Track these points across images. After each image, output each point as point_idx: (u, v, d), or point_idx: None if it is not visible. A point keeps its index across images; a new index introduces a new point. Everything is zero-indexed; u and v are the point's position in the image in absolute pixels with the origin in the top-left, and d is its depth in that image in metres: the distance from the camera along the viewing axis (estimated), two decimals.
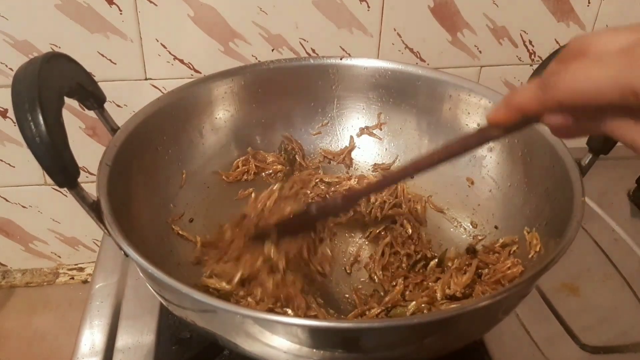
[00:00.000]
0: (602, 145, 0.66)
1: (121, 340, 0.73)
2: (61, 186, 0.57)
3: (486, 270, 0.71)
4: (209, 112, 0.84)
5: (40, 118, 0.53)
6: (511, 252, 0.72)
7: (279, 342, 0.53)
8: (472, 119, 0.82)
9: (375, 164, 0.90)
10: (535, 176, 0.74)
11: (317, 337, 0.52)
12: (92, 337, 0.75)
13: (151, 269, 0.53)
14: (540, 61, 1.05)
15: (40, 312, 1.22)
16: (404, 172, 0.58)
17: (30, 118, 0.53)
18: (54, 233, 1.19)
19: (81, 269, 1.26)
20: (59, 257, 1.25)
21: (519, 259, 0.70)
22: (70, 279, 1.25)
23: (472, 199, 0.83)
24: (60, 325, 1.19)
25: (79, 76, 0.65)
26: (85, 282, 1.25)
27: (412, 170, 0.57)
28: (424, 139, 0.87)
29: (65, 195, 1.12)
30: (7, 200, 1.15)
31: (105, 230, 0.59)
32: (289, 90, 0.88)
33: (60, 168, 0.56)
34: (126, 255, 0.56)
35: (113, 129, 0.71)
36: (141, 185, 0.72)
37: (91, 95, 0.68)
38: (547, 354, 0.71)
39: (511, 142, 0.78)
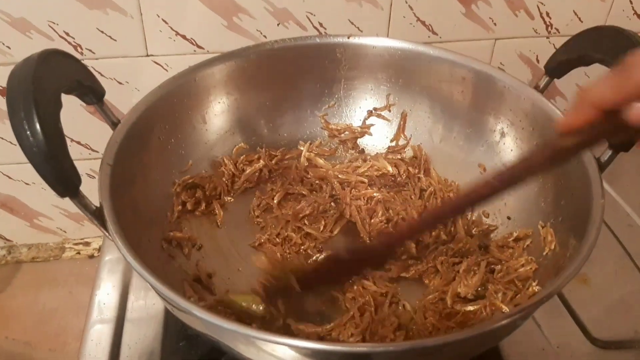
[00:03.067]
0: (623, 142, 0.63)
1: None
2: (62, 196, 0.56)
3: (498, 267, 0.69)
4: (212, 96, 0.81)
5: (38, 126, 0.51)
6: (525, 247, 0.71)
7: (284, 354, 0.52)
8: (491, 106, 0.79)
9: (389, 147, 0.88)
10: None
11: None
12: (101, 315, 0.75)
13: (158, 285, 0.52)
14: (557, 34, 1.01)
15: (48, 288, 1.22)
16: (461, 205, 0.55)
17: (26, 127, 0.51)
18: (58, 209, 1.18)
19: (87, 244, 1.25)
20: (65, 232, 1.24)
21: (533, 255, 0.69)
22: (76, 253, 1.24)
23: None
24: (69, 301, 1.18)
25: (77, 72, 0.62)
26: (91, 257, 1.24)
27: (470, 202, 0.54)
28: (438, 124, 0.85)
29: None
30: (10, 178, 1.13)
31: (109, 238, 0.57)
32: (294, 71, 0.85)
33: (61, 178, 0.54)
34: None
35: (113, 122, 0.69)
36: (144, 180, 0.70)
37: (90, 91, 0.65)
38: (557, 347, 0.70)
39: (527, 131, 0.75)
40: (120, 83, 1.01)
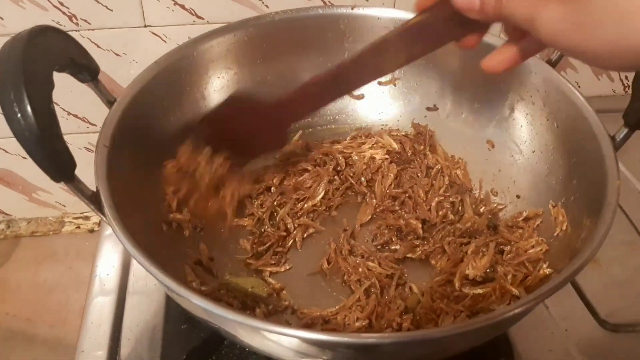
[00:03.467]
0: (639, 120, 0.61)
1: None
2: (57, 181, 0.54)
3: (508, 248, 0.68)
4: (211, 71, 0.78)
5: (29, 109, 0.49)
6: (535, 227, 0.69)
7: (287, 343, 0.50)
8: (500, 80, 0.76)
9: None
10: (563, 145, 0.70)
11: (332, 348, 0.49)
12: (101, 295, 0.74)
13: (158, 273, 0.50)
14: None
15: (48, 263, 1.21)
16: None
17: (17, 110, 0.49)
18: (57, 183, 1.16)
19: (87, 218, 1.24)
20: (64, 206, 1.23)
21: (543, 236, 0.67)
22: (76, 227, 1.23)
23: (492, 164, 0.78)
24: (69, 276, 1.18)
25: (69, 50, 0.59)
26: (91, 231, 1.23)
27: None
28: (446, 99, 0.82)
29: (69, 144, 1.07)
30: (6, 152, 1.12)
31: (107, 223, 0.55)
32: (295, 44, 0.82)
33: (54, 162, 0.52)
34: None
35: (109, 101, 0.66)
36: (142, 161, 0.68)
37: (84, 69, 0.62)
38: (565, 329, 0.69)
39: (538, 106, 0.73)
40: (117, 55, 0.99)
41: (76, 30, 0.94)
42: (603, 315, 0.69)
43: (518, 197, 0.74)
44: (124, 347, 0.68)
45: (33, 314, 1.16)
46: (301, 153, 0.82)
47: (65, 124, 1.03)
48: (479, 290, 0.63)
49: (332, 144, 0.83)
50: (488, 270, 0.66)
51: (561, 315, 0.69)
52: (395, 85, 0.84)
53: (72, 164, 0.53)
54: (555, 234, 0.66)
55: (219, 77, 0.79)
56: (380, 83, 0.84)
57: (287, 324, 0.64)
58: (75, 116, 1.03)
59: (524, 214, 0.71)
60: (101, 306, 0.73)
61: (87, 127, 1.05)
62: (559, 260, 0.63)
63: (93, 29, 0.94)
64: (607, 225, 0.54)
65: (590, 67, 0.99)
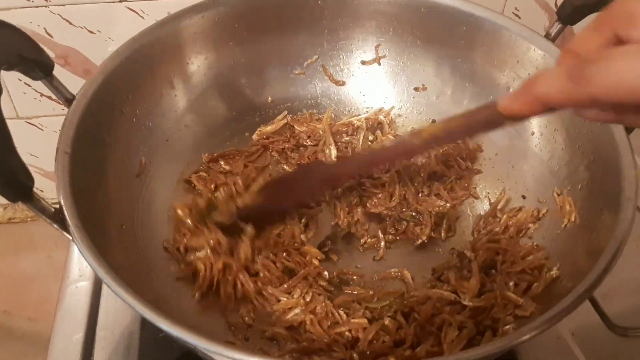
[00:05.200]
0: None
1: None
2: (13, 201, 0.47)
3: (499, 257, 0.62)
4: (179, 57, 0.71)
5: None
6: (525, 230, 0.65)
7: None
8: (495, 57, 0.71)
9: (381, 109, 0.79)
10: (566, 128, 0.65)
11: None
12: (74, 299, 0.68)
13: (130, 300, 0.44)
14: None
15: (26, 253, 1.16)
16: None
17: None
18: (33, 167, 1.07)
19: None
20: (42, 191, 1.14)
21: (550, 228, 0.63)
22: None
23: (488, 148, 0.73)
24: (48, 267, 1.12)
25: (17, 45, 0.51)
26: None
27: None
28: (436, 78, 0.76)
29: (41, 129, 1.00)
30: None
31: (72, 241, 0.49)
32: (270, 23, 0.75)
33: (9, 181, 0.45)
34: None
35: (67, 99, 0.58)
36: (109, 164, 0.61)
37: (36, 65, 0.54)
38: (572, 334, 0.64)
39: None
40: (91, 32, 0.91)
41: (45, 6, 0.86)
42: (612, 318, 0.63)
43: (524, 197, 0.69)
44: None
45: (11, 307, 1.11)
46: (283, 133, 0.77)
47: (39, 107, 0.96)
48: (480, 303, 0.58)
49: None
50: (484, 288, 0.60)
51: (567, 318, 0.64)
52: (379, 64, 0.78)
53: (29, 182, 0.46)
54: (563, 225, 0.62)
55: (188, 63, 0.72)
56: (363, 62, 0.78)
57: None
58: (49, 98, 0.95)
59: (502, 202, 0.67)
60: (74, 317, 0.66)
61: (63, 109, 0.97)
62: (567, 255, 0.59)
63: (64, 4, 0.87)
64: (628, 221, 0.50)
65: None
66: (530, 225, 0.65)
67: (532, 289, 0.57)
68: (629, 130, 0.57)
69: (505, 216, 0.67)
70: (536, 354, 0.61)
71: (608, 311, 0.62)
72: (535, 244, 0.62)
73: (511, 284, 0.58)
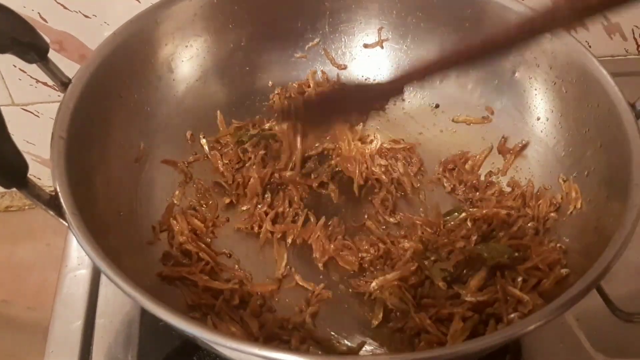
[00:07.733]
0: None
1: None
2: (7, 188, 0.46)
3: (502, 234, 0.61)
4: (177, 40, 0.70)
5: None
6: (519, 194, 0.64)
7: None
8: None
9: None
10: (572, 113, 0.64)
11: None
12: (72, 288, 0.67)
13: (128, 289, 0.43)
14: None
15: (24, 241, 1.15)
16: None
17: None
18: (30, 155, 1.07)
19: None
20: (39, 179, 1.14)
21: (555, 214, 0.62)
22: None
23: (492, 132, 0.72)
24: (47, 255, 1.12)
25: (11, 28, 0.50)
26: None
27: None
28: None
29: (37, 116, 0.99)
30: None
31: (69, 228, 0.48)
32: (271, 5, 0.73)
33: (2, 168, 0.44)
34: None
35: (63, 82, 0.57)
36: (107, 148, 0.60)
37: (30, 48, 0.53)
38: (577, 319, 0.62)
39: (543, 69, 0.66)
40: (86, 17, 0.89)
41: None
42: (617, 303, 0.62)
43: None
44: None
45: (9, 295, 1.10)
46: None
47: (35, 94, 0.94)
48: (482, 297, 0.56)
49: None
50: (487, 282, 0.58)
51: None
52: (382, 47, 0.77)
53: (24, 168, 0.45)
54: (568, 212, 0.60)
55: (186, 46, 0.70)
56: (366, 46, 0.77)
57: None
58: (45, 84, 0.93)
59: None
60: (72, 308, 0.65)
61: (59, 96, 0.95)
62: (574, 243, 0.58)
63: None
64: (637, 208, 0.49)
65: (602, 25, 0.92)
66: (552, 214, 0.63)
67: (542, 284, 0.56)
68: (637, 115, 0.56)
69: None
70: (541, 339, 0.60)
71: (613, 297, 0.60)
72: (557, 244, 0.60)
73: (519, 279, 0.57)
